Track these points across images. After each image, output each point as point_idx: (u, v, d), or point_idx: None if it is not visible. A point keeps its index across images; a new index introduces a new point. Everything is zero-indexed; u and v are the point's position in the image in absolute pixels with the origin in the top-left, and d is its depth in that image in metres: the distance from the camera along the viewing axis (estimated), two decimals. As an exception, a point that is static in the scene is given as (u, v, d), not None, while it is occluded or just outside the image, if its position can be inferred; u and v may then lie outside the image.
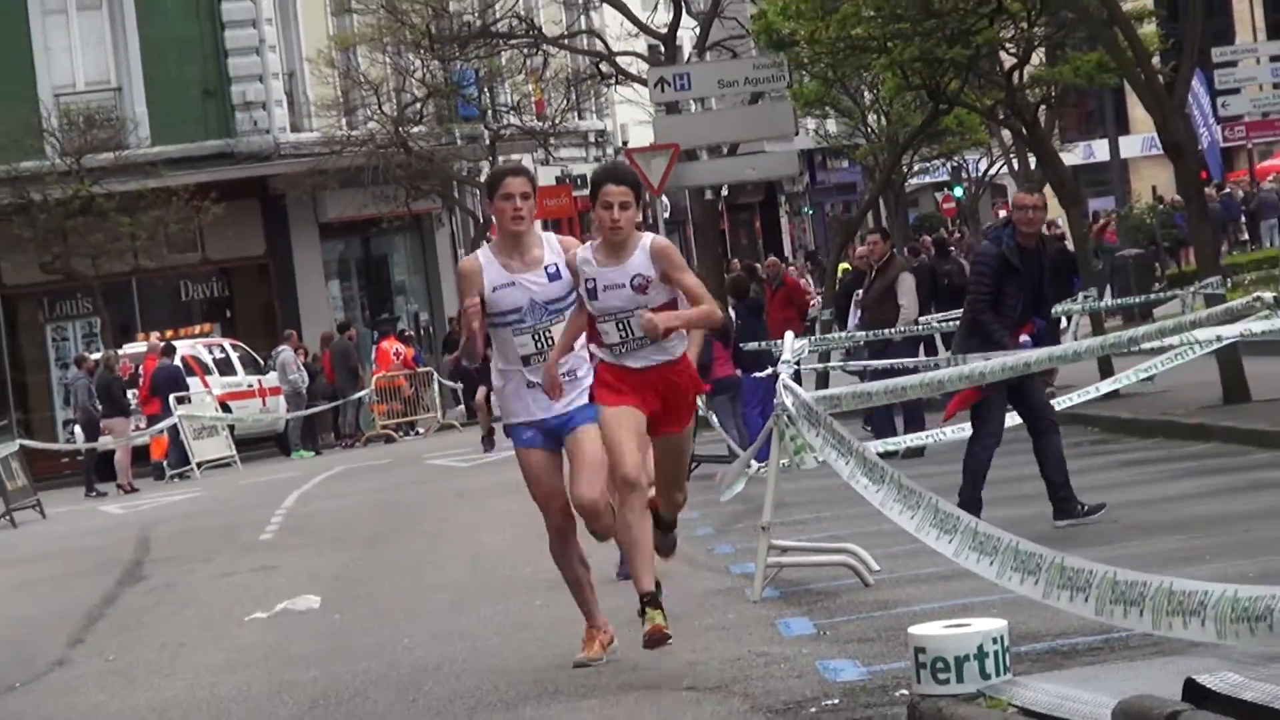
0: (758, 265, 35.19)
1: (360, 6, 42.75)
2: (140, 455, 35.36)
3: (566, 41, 42.82)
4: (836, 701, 8.32)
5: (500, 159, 41.51)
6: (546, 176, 48.14)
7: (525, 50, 42.56)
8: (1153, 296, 30.48)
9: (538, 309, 8.89)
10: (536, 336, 8.97)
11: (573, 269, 8.93)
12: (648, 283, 8.82)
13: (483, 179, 43.50)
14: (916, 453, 17.64)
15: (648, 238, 9.09)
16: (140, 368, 35.87)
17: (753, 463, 13.21)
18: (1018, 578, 8.16)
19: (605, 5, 39.85)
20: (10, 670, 13.23)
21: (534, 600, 13.00)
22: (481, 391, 26.49)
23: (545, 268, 8.99)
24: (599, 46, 40.63)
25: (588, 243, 9.18)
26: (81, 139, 39.22)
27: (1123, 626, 7.43)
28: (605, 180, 9.09)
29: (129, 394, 34.71)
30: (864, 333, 20.44)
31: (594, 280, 8.84)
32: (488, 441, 27.09)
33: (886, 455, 13.42)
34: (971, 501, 11.81)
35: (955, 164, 51.50)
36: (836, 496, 13.57)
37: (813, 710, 8.26)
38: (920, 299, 21.03)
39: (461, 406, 40.95)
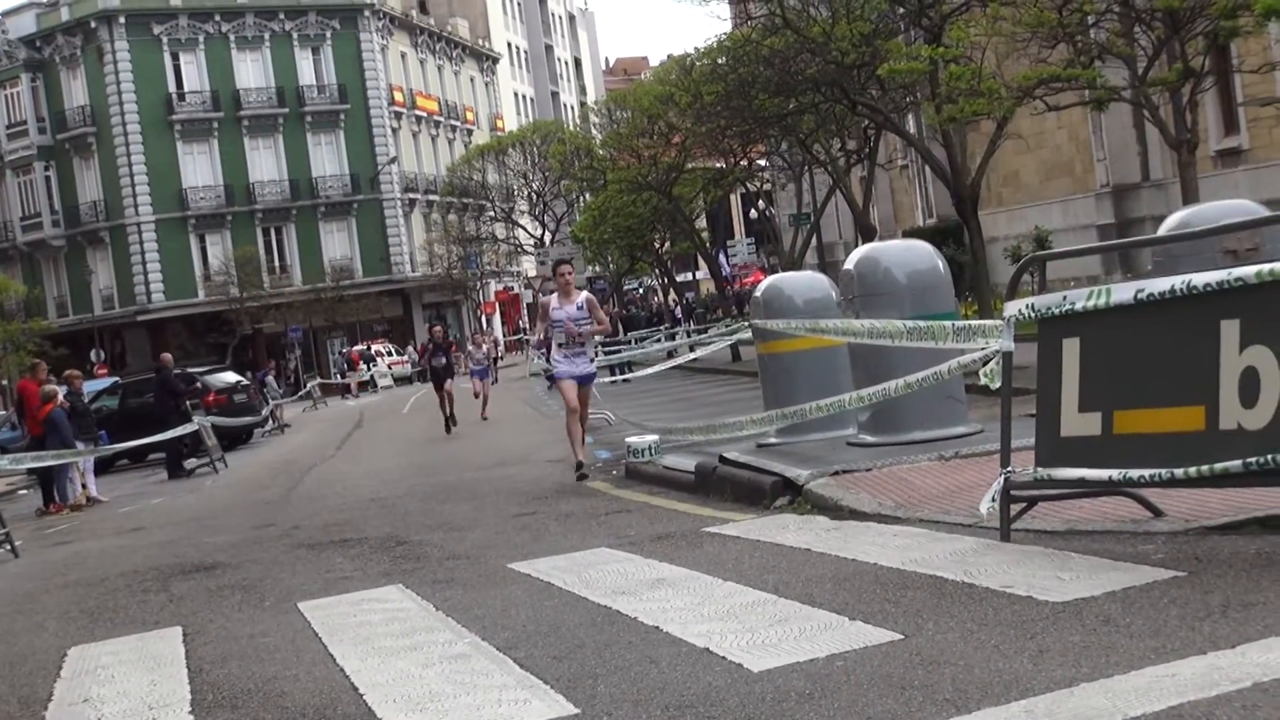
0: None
1: (434, 229, 78.73)
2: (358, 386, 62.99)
3: (504, 243, 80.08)
4: (600, 464, 13.98)
5: (483, 283, 77.28)
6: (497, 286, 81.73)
7: (494, 245, 79.85)
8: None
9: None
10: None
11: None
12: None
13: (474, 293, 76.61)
14: (626, 380, 28.78)
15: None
16: (358, 353, 67.40)
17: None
18: (666, 418, 16.22)
19: (518, 227, 77.23)
20: (313, 458, 21.17)
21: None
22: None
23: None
24: (518, 242, 79.11)
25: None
26: (338, 278, 72.30)
27: (704, 440, 12.87)
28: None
29: (363, 365, 65.03)
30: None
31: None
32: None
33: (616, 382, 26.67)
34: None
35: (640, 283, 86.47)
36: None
37: (595, 465, 13.88)
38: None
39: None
